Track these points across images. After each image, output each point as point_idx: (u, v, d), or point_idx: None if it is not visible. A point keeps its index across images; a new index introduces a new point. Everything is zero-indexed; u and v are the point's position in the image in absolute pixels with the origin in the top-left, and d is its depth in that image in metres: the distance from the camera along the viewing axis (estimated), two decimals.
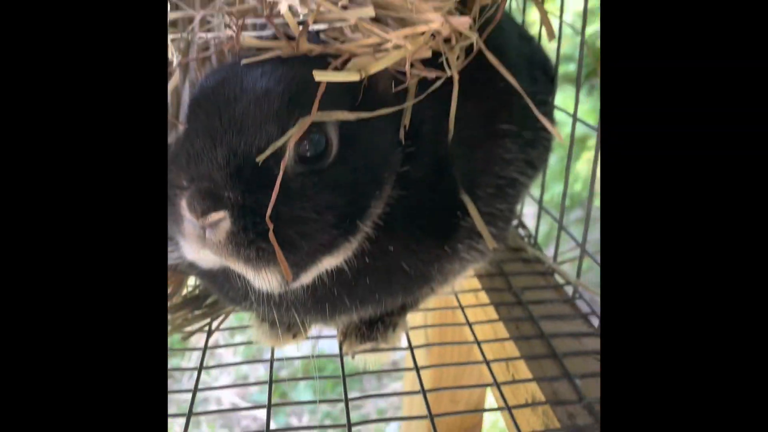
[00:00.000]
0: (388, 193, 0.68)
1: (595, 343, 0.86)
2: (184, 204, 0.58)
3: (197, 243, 0.60)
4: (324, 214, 0.61)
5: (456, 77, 0.70)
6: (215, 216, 0.57)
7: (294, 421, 2.41)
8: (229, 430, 2.44)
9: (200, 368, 0.80)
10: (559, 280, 1.05)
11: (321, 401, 0.65)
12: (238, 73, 0.66)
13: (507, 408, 0.70)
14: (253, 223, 0.58)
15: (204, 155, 0.60)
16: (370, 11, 0.68)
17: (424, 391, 0.73)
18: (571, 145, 1.02)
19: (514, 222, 1.21)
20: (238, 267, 0.61)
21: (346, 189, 0.63)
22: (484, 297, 0.98)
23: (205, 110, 0.63)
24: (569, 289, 1.01)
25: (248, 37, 0.73)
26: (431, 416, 0.69)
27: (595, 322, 0.92)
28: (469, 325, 0.89)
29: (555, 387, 0.76)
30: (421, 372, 0.79)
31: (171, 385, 0.70)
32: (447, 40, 0.72)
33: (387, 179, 0.67)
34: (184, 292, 0.97)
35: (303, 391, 2.49)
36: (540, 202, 1.20)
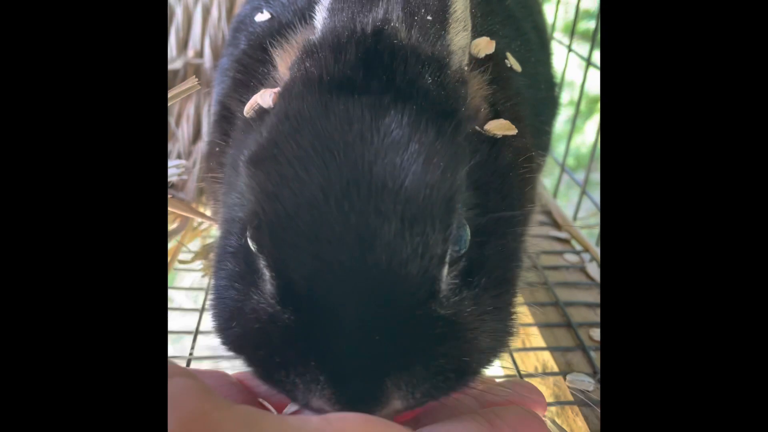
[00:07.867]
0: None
1: None
2: (310, 396, 0.40)
3: None
4: (485, 324, 0.45)
5: None
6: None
7: None
8: None
9: (202, 310, 0.77)
10: (576, 246, 1.01)
11: None
12: (357, 144, 0.40)
13: (519, 376, 0.67)
14: (432, 388, 0.40)
15: (333, 328, 0.38)
16: None
17: None
18: (577, 106, 0.96)
19: None
20: None
21: (496, 282, 0.47)
22: None
23: (312, 218, 0.38)
24: (587, 256, 0.97)
25: None
26: None
27: None
28: None
29: (569, 357, 0.73)
30: None
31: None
32: None
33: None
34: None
35: None
36: (563, 163, 1.15)
